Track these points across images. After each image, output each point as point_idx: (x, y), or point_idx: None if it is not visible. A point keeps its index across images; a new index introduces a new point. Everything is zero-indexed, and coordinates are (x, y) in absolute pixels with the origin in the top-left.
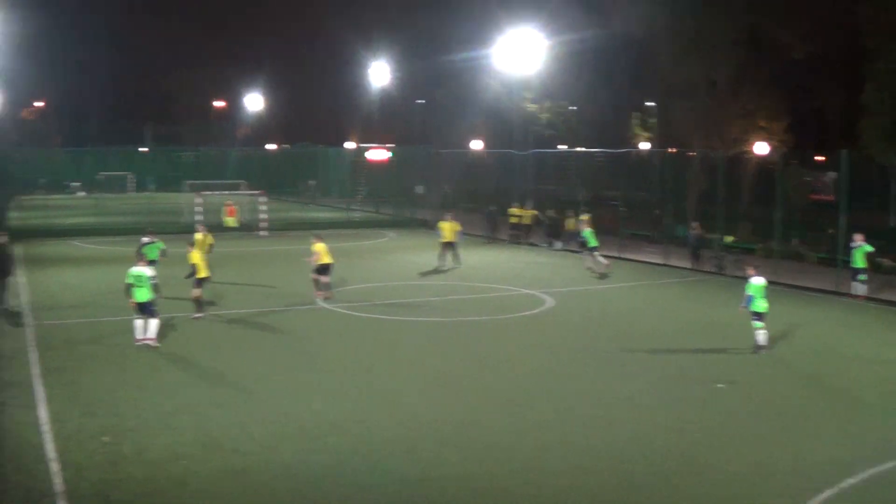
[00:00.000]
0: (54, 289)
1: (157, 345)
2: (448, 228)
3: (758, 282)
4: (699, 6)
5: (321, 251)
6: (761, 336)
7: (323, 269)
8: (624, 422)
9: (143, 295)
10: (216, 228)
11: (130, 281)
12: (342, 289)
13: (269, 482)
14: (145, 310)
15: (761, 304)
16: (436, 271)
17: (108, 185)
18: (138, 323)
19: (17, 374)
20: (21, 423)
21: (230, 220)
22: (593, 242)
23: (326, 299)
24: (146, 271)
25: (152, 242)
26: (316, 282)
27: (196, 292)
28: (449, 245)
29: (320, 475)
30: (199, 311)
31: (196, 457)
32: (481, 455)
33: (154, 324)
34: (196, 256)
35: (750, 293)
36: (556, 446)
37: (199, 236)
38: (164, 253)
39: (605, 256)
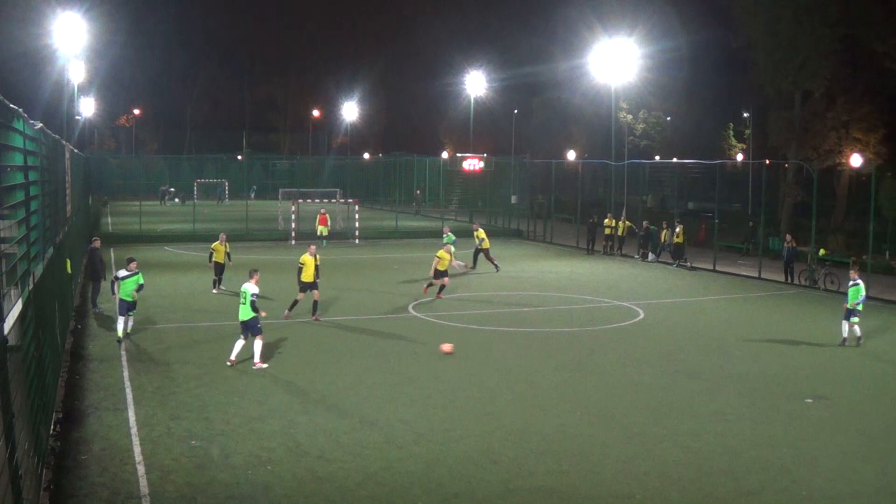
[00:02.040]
0: (146, 293)
1: (264, 365)
2: (484, 236)
3: (858, 284)
4: (795, 16)
5: (444, 258)
6: (858, 329)
7: (440, 274)
8: (711, 435)
9: (245, 313)
10: (310, 236)
11: (240, 299)
12: (433, 298)
13: (354, 489)
14: (247, 328)
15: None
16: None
17: (203, 192)
18: (237, 343)
19: (107, 376)
20: (110, 426)
21: (322, 229)
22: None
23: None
24: (251, 287)
25: (131, 275)
26: (433, 285)
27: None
28: (484, 252)
29: (405, 484)
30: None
31: (282, 462)
32: (566, 466)
33: (258, 344)
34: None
35: (859, 297)
36: (642, 458)
37: (217, 245)
38: (140, 288)
39: (695, 268)
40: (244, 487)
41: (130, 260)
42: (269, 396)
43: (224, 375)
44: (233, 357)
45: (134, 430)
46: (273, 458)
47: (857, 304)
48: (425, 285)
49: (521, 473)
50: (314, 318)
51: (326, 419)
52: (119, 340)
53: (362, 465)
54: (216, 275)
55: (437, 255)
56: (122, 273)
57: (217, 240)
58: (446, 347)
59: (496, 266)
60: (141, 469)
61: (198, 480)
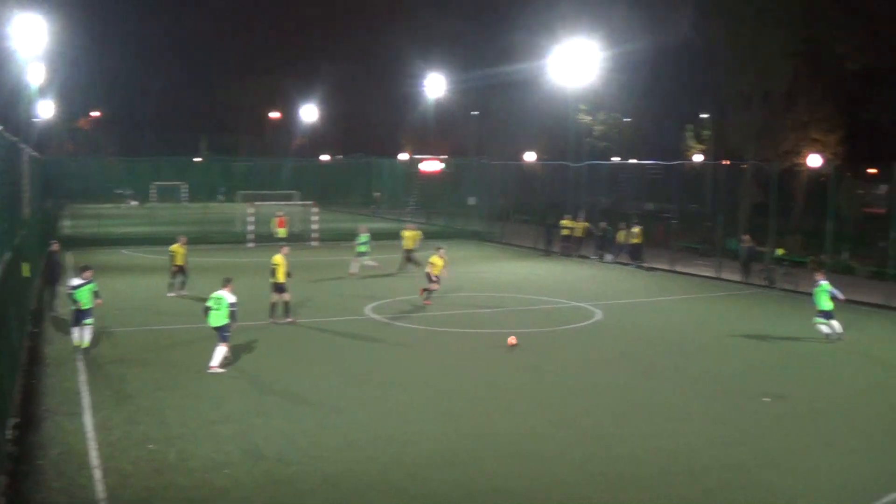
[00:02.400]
0: (103, 297)
1: (221, 370)
2: (409, 237)
3: (824, 283)
4: (756, 17)
5: (437, 264)
6: (827, 328)
7: (433, 279)
8: (670, 434)
9: (217, 319)
10: (268, 239)
11: (210, 304)
12: (391, 300)
13: (312, 492)
14: (218, 334)
15: (826, 303)
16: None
17: (161, 195)
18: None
19: (64, 381)
20: (67, 430)
21: (281, 231)
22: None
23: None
24: (227, 296)
25: (85, 284)
26: (427, 290)
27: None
28: (409, 252)
29: (363, 486)
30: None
31: (239, 465)
32: (525, 467)
33: (221, 350)
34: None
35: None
36: (601, 459)
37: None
38: (97, 295)
39: (653, 268)
40: (202, 491)
41: (85, 268)
42: (226, 400)
43: (180, 379)
44: (212, 363)
45: (91, 435)
46: (230, 462)
47: (833, 293)
48: (422, 289)
49: (479, 475)
50: (291, 320)
51: (284, 422)
52: (83, 350)
53: (320, 468)
54: (172, 277)
55: (430, 260)
56: (77, 282)
57: (176, 242)
58: (512, 340)
59: (416, 265)
60: (98, 474)
61: (155, 484)
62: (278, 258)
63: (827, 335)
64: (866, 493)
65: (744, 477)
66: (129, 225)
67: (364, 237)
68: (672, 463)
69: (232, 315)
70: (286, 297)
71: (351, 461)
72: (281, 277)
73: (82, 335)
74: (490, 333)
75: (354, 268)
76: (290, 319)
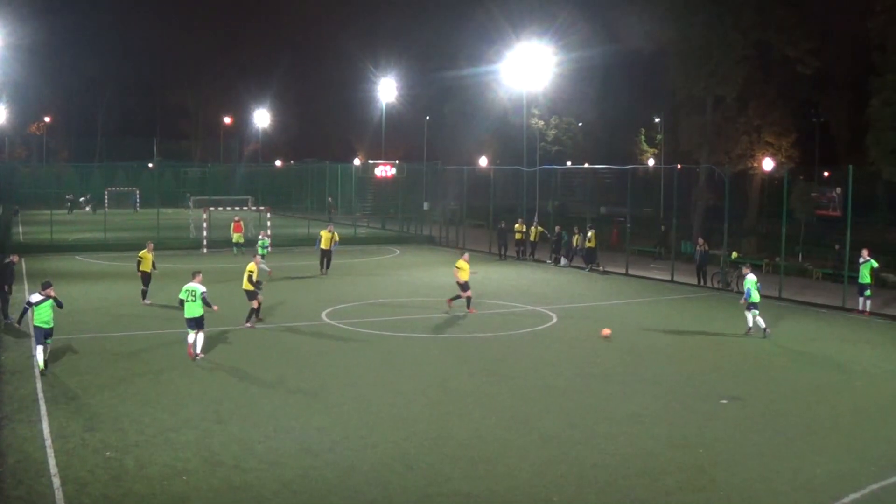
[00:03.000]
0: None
1: (203, 355)
2: (326, 238)
3: (752, 278)
4: (707, 22)
5: (464, 268)
6: (761, 321)
7: (463, 285)
8: (627, 437)
9: (193, 310)
10: (223, 244)
11: (183, 296)
12: (347, 305)
13: (270, 498)
14: (196, 324)
15: (756, 296)
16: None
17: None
18: (190, 336)
19: (20, 388)
20: (23, 438)
21: (238, 237)
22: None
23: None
24: (199, 287)
25: (44, 300)
26: (459, 296)
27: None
28: (326, 252)
29: (321, 492)
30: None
31: (198, 472)
32: (483, 471)
33: (201, 337)
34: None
35: (748, 287)
36: (559, 462)
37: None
38: (61, 306)
39: (608, 272)
40: (160, 498)
41: (47, 285)
42: (183, 406)
43: (137, 385)
44: (198, 351)
45: (48, 442)
46: (188, 469)
47: (750, 293)
48: (449, 300)
49: (436, 479)
50: (259, 317)
51: (241, 428)
52: (42, 372)
53: (278, 474)
54: (145, 284)
55: (457, 265)
56: (36, 298)
57: (144, 248)
58: (606, 332)
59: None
60: (56, 481)
61: (113, 492)
62: (253, 266)
63: (762, 328)
64: (825, 494)
65: (702, 478)
66: (83, 231)
67: (264, 241)
68: (630, 465)
69: (205, 302)
70: (259, 300)
71: (309, 467)
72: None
73: (46, 354)
74: (445, 338)
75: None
76: (248, 325)
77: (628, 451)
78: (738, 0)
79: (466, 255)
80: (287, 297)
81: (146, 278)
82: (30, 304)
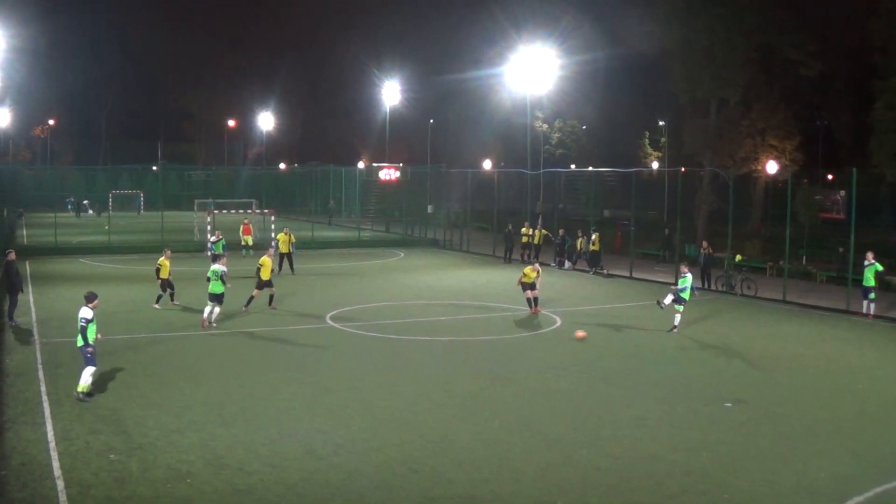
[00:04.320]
0: (63, 306)
1: (215, 325)
2: (283, 240)
3: (689, 276)
4: (710, 25)
5: (529, 274)
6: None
7: (530, 286)
8: (631, 440)
9: (216, 287)
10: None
11: (209, 275)
12: (351, 308)
13: (274, 501)
14: (216, 298)
15: (687, 295)
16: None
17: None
18: (207, 308)
19: (24, 391)
20: (28, 441)
21: (247, 238)
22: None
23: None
24: (221, 267)
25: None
26: (529, 300)
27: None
28: (286, 255)
29: (325, 495)
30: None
31: (201, 475)
32: (487, 474)
33: (217, 311)
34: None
35: (685, 285)
36: (562, 465)
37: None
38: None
39: (612, 275)
40: (164, 501)
41: (92, 297)
42: (187, 409)
43: (141, 388)
44: (213, 321)
45: (52, 445)
46: (192, 472)
47: (684, 290)
48: (532, 305)
49: (441, 482)
50: (272, 307)
51: (245, 431)
52: (88, 394)
53: (282, 477)
54: (162, 290)
55: (524, 271)
56: (90, 314)
57: (162, 255)
58: (580, 334)
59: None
60: (60, 484)
61: (117, 495)
62: (265, 259)
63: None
64: (828, 497)
65: (706, 481)
66: (87, 234)
67: (220, 242)
68: (634, 468)
69: (222, 280)
70: (272, 290)
71: (313, 469)
72: (267, 275)
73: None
74: (449, 341)
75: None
76: (273, 307)
77: (632, 455)
78: (740, 3)
79: (537, 265)
80: (291, 299)
81: (166, 284)
82: (87, 321)
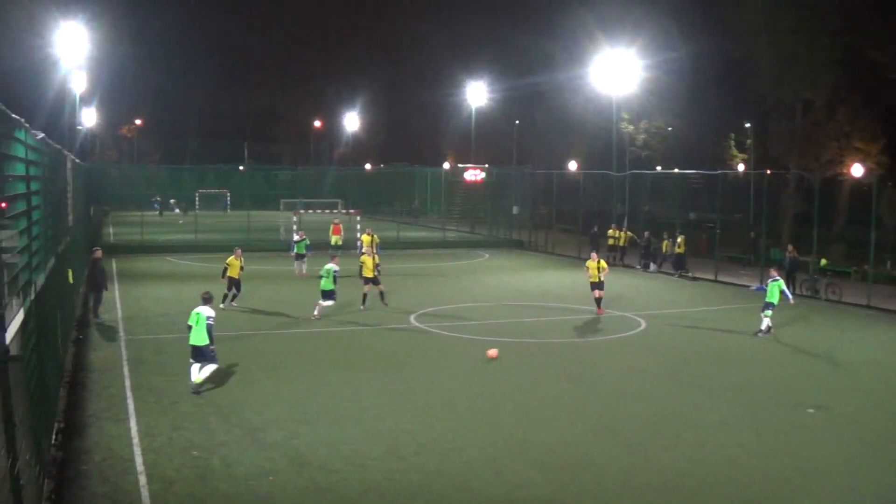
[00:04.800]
0: (147, 304)
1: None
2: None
3: (780, 280)
4: (795, 26)
5: (591, 267)
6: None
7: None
8: (713, 445)
9: (327, 284)
10: (322, 245)
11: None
12: (435, 308)
13: (356, 500)
14: (329, 296)
15: (775, 297)
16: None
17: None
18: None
19: (109, 387)
20: (111, 436)
21: (336, 238)
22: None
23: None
24: (332, 265)
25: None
26: (597, 299)
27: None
28: (234, 281)
29: (407, 494)
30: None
31: (284, 473)
32: (569, 477)
33: (329, 303)
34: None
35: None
36: (644, 469)
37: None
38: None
39: (697, 278)
40: (245, 498)
41: (209, 298)
42: (271, 407)
43: (225, 386)
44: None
45: (136, 441)
46: (275, 469)
47: (785, 292)
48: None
49: (522, 484)
50: (385, 303)
51: (328, 430)
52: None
53: (364, 476)
54: (228, 289)
55: (587, 265)
56: (210, 312)
57: (232, 254)
58: (492, 353)
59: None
60: (142, 479)
61: (199, 491)
62: (365, 258)
63: (762, 329)
64: None
65: (787, 488)
66: (173, 233)
67: (304, 241)
68: (715, 473)
69: (334, 278)
70: (381, 287)
71: (394, 469)
72: (369, 272)
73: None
74: (533, 342)
75: (299, 269)
76: (385, 304)
77: (714, 460)
78: (826, 5)
79: (595, 255)
80: (375, 299)
81: (231, 283)
82: (212, 318)
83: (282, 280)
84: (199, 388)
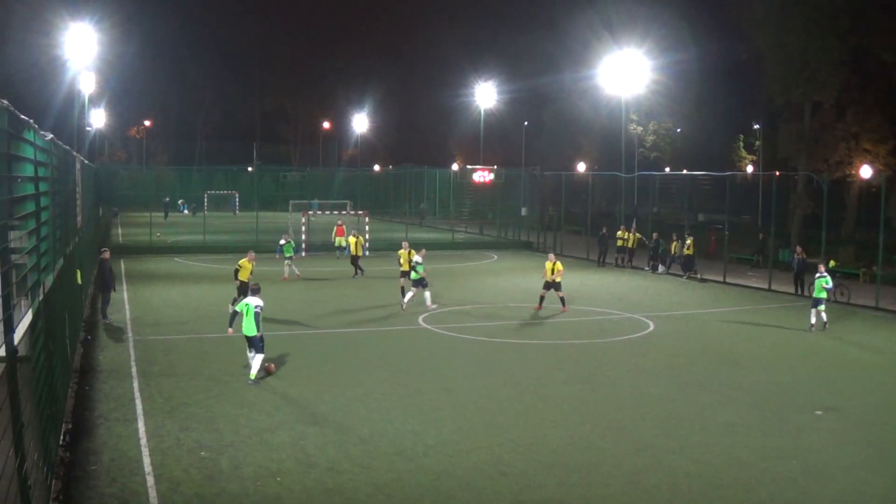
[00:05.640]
0: (156, 304)
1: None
2: (353, 243)
3: (827, 276)
4: (804, 27)
5: (548, 268)
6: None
7: (550, 285)
8: (721, 447)
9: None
10: (321, 248)
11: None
12: (443, 310)
13: (364, 501)
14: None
15: (823, 293)
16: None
17: (213, 204)
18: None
19: (117, 387)
20: (119, 437)
21: (339, 240)
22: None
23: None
24: (254, 300)
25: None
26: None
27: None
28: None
29: (414, 496)
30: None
31: (291, 474)
32: (577, 479)
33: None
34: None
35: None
36: (652, 471)
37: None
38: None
39: (705, 279)
40: (253, 499)
41: (257, 289)
42: (279, 408)
43: (234, 387)
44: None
45: (143, 441)
46: (282, 470)
47: (827, 288)
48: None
49: (530, 486)
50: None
51: (336, 431)
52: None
53: (372, 477)
54: (240, 294)
55: (545, 264)
56: (261, 302)
57: (245, 256)
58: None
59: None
60: (150, 480)
61: (207, 492)
62: (402, 252)
63: (812, 325)
64: None
65: (794, 490)
66: (182, 233)
67: (289, 244)
68: (723, 475)
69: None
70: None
71: (403, 470)
72: (406, 266)
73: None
74: (540, 344)
75: (286, 273)
76: (433, 306)
77: (722, 462)
78: (835, 5)
79: (552, 255)
80: (383, 300)
81: (243, 288)
82: (260, 307)
83: (289, 281)
84: (256, 381)
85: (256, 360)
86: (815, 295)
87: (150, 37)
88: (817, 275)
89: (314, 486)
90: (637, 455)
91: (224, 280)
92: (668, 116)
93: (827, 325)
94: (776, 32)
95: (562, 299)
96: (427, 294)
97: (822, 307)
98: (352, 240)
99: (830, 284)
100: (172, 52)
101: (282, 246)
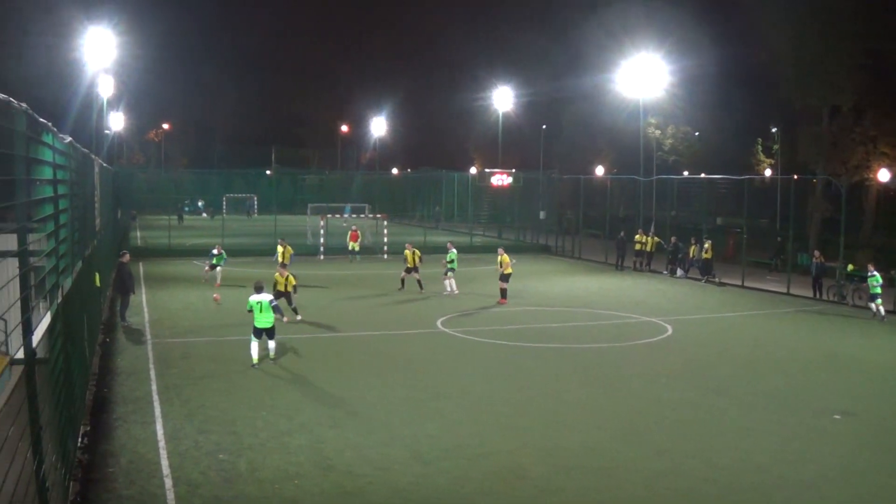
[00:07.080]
0: (174, 307)
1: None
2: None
3: (877, 274)
4: (821, 31)
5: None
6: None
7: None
8: (739, 451)
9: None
10: (339, 251)
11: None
12: (462, 313)
13: None
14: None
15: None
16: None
17: (231, 207)
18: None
19: (135, 390)
20: (137, 439)
21: (353, 244)
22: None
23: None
24: (265, 297)
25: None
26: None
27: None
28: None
29: (432, 499)
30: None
31: (309, 477)
32: (595, 483)
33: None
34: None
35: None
36: (670, 475)
37: (280, 249)
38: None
39: (724, 283)
40: (271, 501)
41: (261, 287)
42: (298, 411)
43: (252, 390)
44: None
45: (162, 444)
46: (301, 473)
47: (877, 287)
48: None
49: (548, 489)
50: (453, 291)
51: (354, 434)
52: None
53: (390, 481)
54: (290, 303)
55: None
56: (271, 296)
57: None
58: (216, 297)
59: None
60: (168, 482)
61: (225, 494)
62: (407, 253)
63: (875, 314)
64: None
65: (811, 494)
66: (200, 236)
67: (452, 254)
68: (741, 480)
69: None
70: (416, 275)
71: (421, 474)
72: (412, 263)
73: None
74: (559, 348)
75: (448, 287)
76: (451, 291)
77: (739, 466)
78: (851, 9)
79: (500, 249)
80: (402, 304)
81: (282, 296)
82: (274, 301)
83: (308, 284)
84: (274, 360)
85: (273, 345)
86: (870, 291)
87: (168, 40)
88: (868, 274)
89: (332, 489)
90: (654, 459)
91: (243, 282)
92: (686, 120)
93: (885, 319)
94: (792, 36)
95: (503, 291)
96: (446, 282)
97: (880, 301)
98: (408, 253)
99: (880, 281)
100: (191, 56)
101: (213, 256)
